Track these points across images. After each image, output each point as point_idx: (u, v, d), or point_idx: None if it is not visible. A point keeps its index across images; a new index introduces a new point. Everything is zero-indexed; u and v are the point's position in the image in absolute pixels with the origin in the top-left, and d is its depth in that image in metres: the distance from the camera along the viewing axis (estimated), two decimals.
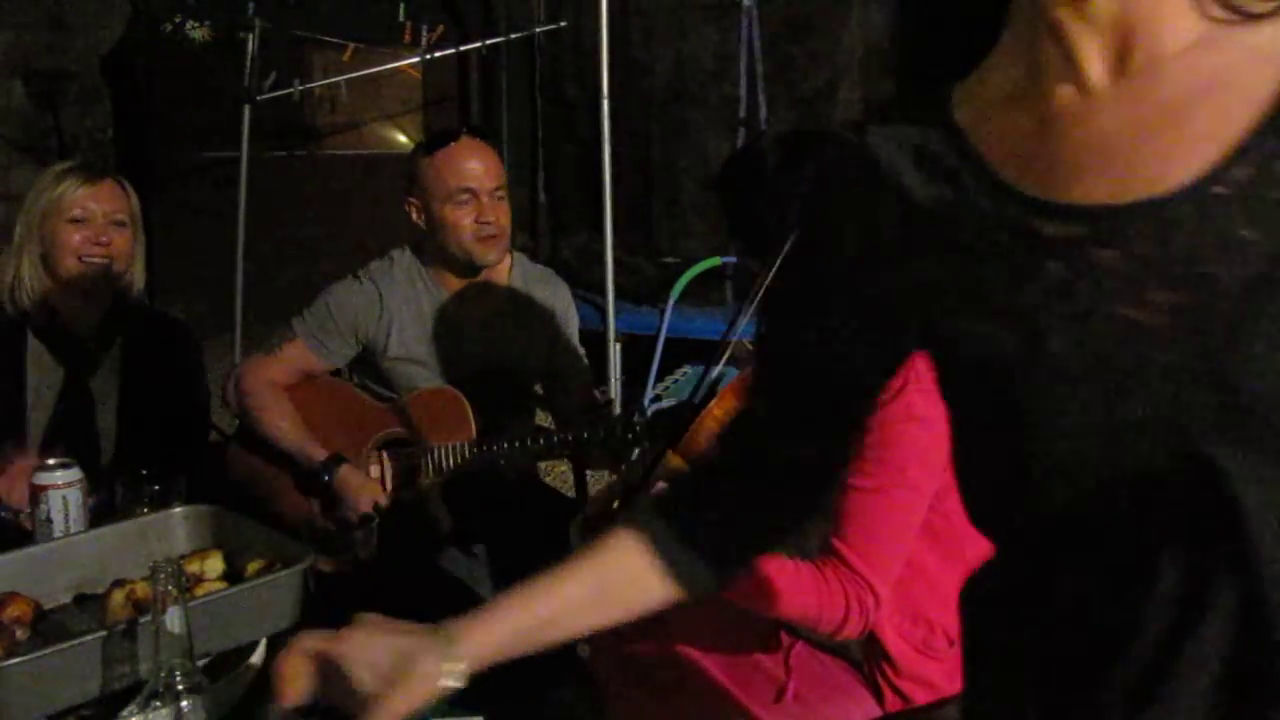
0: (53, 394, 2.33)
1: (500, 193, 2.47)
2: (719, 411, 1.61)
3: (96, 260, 2.30)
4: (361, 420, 2.47)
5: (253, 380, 2.46)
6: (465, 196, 2.42)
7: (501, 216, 2.46)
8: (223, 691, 1.40)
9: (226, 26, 4.78)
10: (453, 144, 2.44)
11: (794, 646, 1.80)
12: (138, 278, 2.40)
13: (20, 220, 2.31)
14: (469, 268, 2.48)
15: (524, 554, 2.45)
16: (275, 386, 2.46)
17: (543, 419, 2.75)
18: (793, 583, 1.58)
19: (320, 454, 2.39)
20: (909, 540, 1.64)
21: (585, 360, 2.65)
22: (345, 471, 2.38)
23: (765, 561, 1.59)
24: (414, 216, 2.48)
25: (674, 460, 1.62)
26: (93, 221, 2.29)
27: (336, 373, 2.57)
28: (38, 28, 6.38)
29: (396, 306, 2.48)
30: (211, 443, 2.72)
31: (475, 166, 2.44)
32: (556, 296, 2.62)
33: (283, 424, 2.43)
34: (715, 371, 1.65)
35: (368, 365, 2.52)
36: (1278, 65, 0.78)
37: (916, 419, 1.60)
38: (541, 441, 2.35)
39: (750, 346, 1.67)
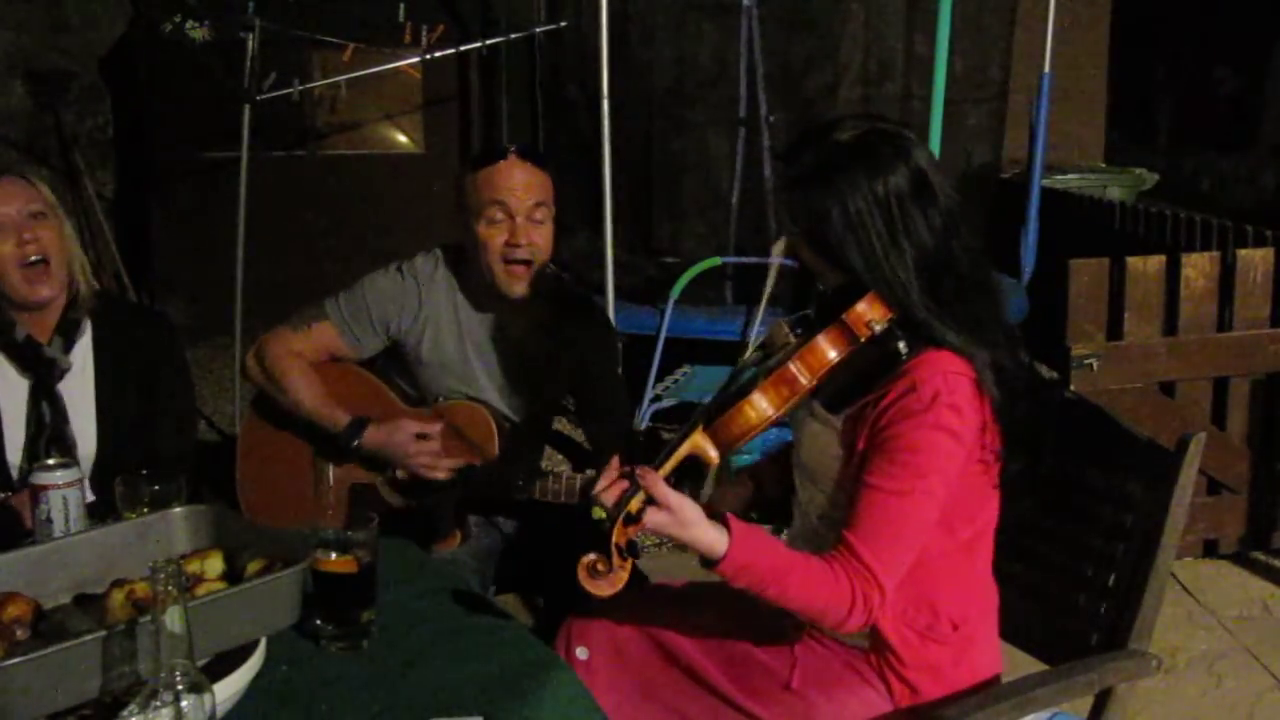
0: (23, 406, 2.27)
1: (539, 214, 2.32)
2: (761, 401, 1.58)
3: (35, 260, 2.21)
4: (384, 420, 2.43)
5: (278, 348, 2.42)
6: (499, 215, 2.30)
7: (536, 239, 2.32)
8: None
9: (226, 26, 4.76)
10: (500, 162, 2.33)
11: (800, 639, 1.80)
12: (86, 268, 2.32)
13: None
14: (497, 291, 2.38)
15: (525, 553, 2.46)
16: (300, 357, 2.42)
17: (564, 427, 2.72)
18: (803, 574, 1.58)
19: (344, 418, 2.36)
20: (919, 545, 1.64)
21: (622, 392, 2.59)
22: (372, 431, 2.34)
23: (777, 554, 1.59)
24: (463, 234, 2.39)
25: (701, 440, 1.59)
26: (10, 224, 2.20)
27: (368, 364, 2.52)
28: (38, 28, 6.38)
29: (434, 310, 2.42)
30: (212, 442, 2.71)
31: (511, 182, 2.31)
32: (591, 327, 2.52)
33: (305, 391, 2.39)
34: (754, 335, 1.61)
35: (397, 360, 2.49)
36: None
37: (945, 430, 1.61)
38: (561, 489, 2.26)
39: (789, 328, 1.66)
